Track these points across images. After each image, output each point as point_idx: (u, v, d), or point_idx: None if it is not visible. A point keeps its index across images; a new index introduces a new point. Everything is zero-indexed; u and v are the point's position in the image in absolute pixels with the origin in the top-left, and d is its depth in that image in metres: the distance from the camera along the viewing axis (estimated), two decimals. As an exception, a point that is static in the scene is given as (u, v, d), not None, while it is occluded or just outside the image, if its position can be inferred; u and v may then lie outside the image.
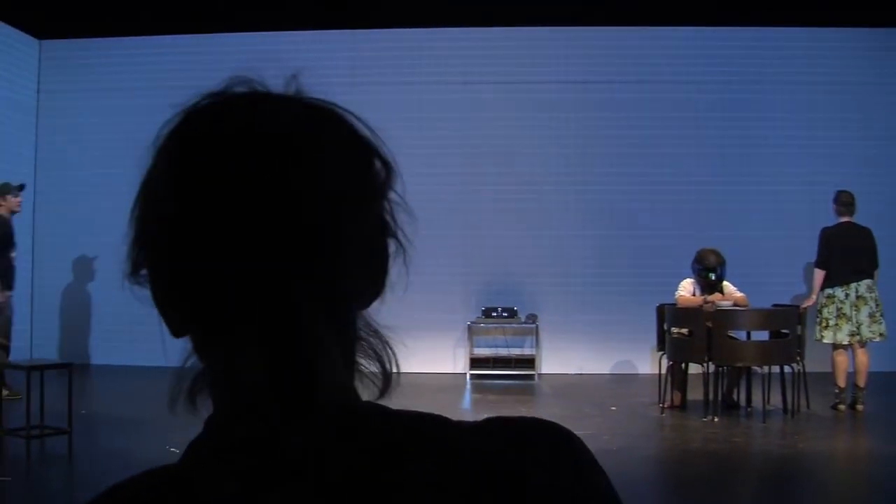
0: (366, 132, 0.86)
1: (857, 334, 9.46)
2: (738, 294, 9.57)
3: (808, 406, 9.34)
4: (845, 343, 9.48)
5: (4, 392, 9.67)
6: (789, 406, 9.11)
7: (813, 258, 9.90)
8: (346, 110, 0.86)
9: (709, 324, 9.04)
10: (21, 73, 13.23)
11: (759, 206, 12.75)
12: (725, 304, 9.36)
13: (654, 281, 11.74)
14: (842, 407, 9.36)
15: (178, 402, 0.84)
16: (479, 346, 12.56)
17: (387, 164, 0.86)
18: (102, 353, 12.95)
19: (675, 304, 9.63)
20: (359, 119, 0.87)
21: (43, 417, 7.50)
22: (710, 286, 9.54)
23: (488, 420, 0.82)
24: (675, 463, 7.55)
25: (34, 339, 13.24)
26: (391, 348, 0.88)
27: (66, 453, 7.31)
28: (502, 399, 10.40)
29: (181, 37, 13.27)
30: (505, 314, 12.35)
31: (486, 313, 12.30)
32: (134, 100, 13.22)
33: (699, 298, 9.48)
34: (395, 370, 0.88)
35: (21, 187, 10.29)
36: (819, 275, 9.75)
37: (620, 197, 12.81)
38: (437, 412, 0.83)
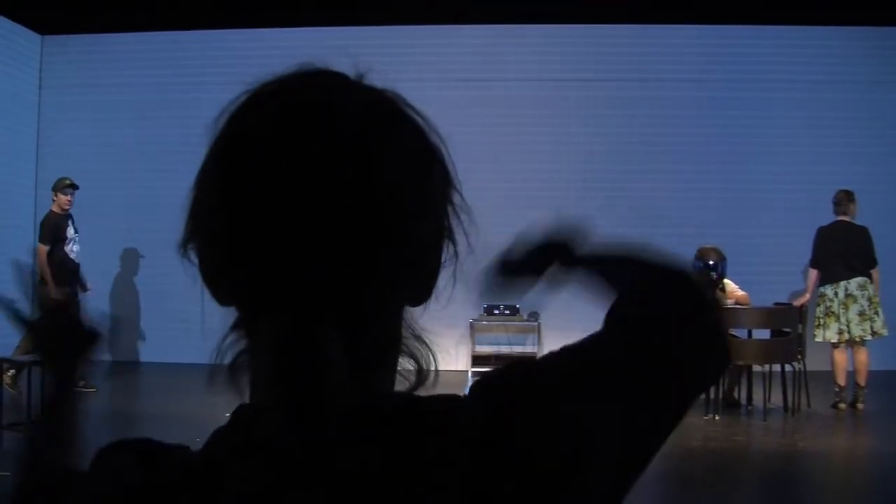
0: (430, 131, 0.85)
1: (847, 332, 9.48)
2: (740, 293, 9.57)
3: (808, 405, 9.35)
4: (834, 341, 9.50)
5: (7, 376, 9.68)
6: (790, 404, 9.11)
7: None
8: (411, 107, 0.86)
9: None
10: (23, 68, 13.23)
11: (761, 204, 12.74)
12: (727, 302, 9.36)
13: (656, 279, 11.72)
14: (842, 405, 9.37)
15: (218, 377, 0.84)
16: (480, 344, 12.55)
17: (445, 168, 0.86)
18: (108, 348, 12.93)
19: (676, 303, 9.60)
20: (423, 117, 0.86)
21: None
22: (711, 283, 9.53)
23: (473, 388, 0.82)
24: (675, 461, 7.54)
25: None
26: (431, 350, 0.88)
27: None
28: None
29: (182, 33, 13.26)
30: (507, 312, 12.35)
31: (489, 311, 12.29)
32: (136, 95, 13.25)
33: (700, 297, 9.46)
34: (431, 369, 0.88)
35: (74, 186, 10.48)
36: (812, 273, 9.81)
37: (623, 194, 12.79)
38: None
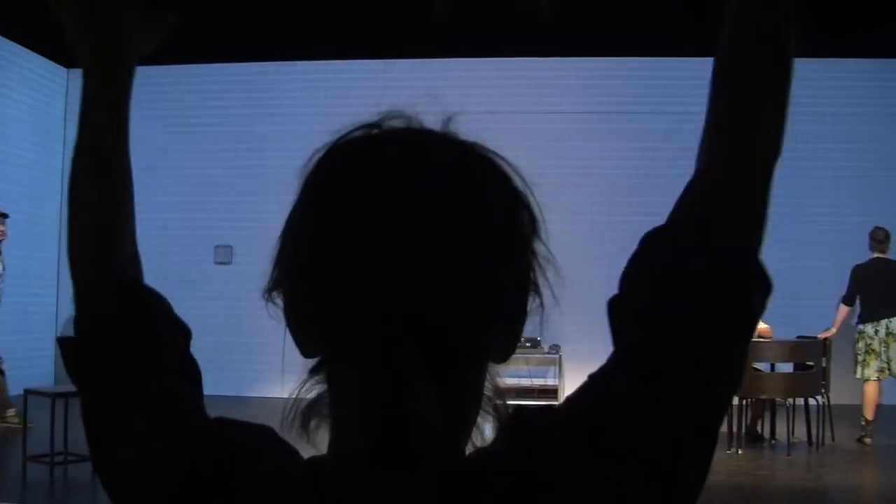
0: (517, 181, 0.85)
1: (888, 370, 9.41)
2: (762, 325, 9.51)
3: (832, 439, 9.26)
4: (875, 378, 9.41)
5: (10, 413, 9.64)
6: (814, 439, 9.02)
7: (839, 290, 9.84)
8: (498, 155, 0.86)
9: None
10: (49, 101, 13.38)
11: (783, 236, 12.65)
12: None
13: (678, 312, 11.69)
14: (868, 440, 9.27)
15: (293, 429, 0.83)
16: (500, 377, 12.49)
17: (533, 217, 0.85)
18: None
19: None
20: (510, 165, 0.86)
21: (66, 444, 7.52)
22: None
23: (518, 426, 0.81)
24: (700, 496, 7.47)
25: (57, 365, 13.31)
26: (509, 408, 0.88)
27: (90, 480, 7.33)
28: (525, 429, 10.34)
29: (211, 66, 13.38)
30: (528, 344, 12.30)
31: (509, 343, 12.24)
32: (160, 128, 13.35)
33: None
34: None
35: (4, 216, 10.15)
36: (843, 310, 9.72)
37: (645, 227, 12.65)
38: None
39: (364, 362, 0.75)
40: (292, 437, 0.84)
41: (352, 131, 0.82)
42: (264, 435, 0.82)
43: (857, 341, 9.58)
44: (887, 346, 9.44)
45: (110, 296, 0.94)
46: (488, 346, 0.83)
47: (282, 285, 0.82)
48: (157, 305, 0.98)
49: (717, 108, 0.89)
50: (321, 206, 0.79)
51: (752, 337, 0.84)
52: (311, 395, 0.83)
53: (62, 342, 0.92)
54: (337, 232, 0.77)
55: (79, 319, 0.93)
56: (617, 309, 0.87)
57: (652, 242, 0.92)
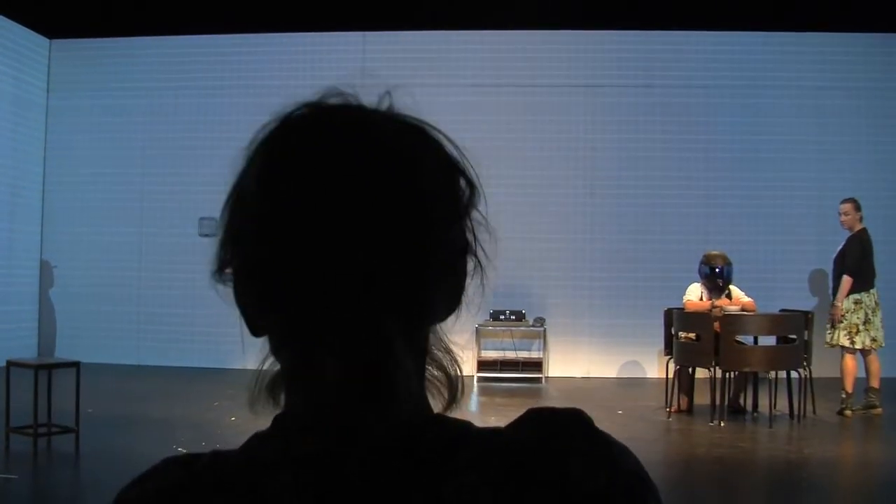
0: (453, 151, 0.88)
1: (876, 339, 9.49)
2: (746, 299, 9.56)
3: (814, 411, 9.32)
4: (868, 348, 9.47)
5: None
6: (796, 411, 9.09)
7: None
8: (435, 128, 0.88)
9: (716, 328, 9.03)
10: (31, 71, 13.28)
11: (767, 210, 12.72)
12: (733, 308, 9.35)
13: (662, 285, 11.75)
14: (848, 412, 9.34)
15: (258, 401, 0.85)
16: (486, 349, 12.55)
17: (471, 184, 0.88)
18: (109, 351, 12.95)
19: (682, 309, 9.62)
20: (447, 138, 0.88)
21: (50, 416, 7.52)
22: (717, 288, 9.52)
23: (529, 415, 0.82)
24: (681, 467, 7.54)
25: (41, 337, 13.29)
26: (458, 365, 0.90)
27: (73, 452, 7.33)
28: (509, 402, 10.39)
29: (190, 37, 13.28)
30: (513, 317, 12.35)
31: (494, 316, 12.29)
32: (143, 99, 13.29)
33: (707, 303, 9.47)
34: (461, 387, 0.90)
35: None
36: (847, 281, 9.60)
37: (628, 201, 12.80)
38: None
39: (334, 326, 0.77)
40: (262, 410, 0.85)
41: (293, 111, 0.84)
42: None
43: (855, 311, 9.54)
44: (875, 314, 9.53)
45: None
46: (430, 308, 0.85)
47: (231, 264, 0.84)
48: None
49: None
50: (269, 185, 0.81)
51: None
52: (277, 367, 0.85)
53: None
54: (287, 209, 0.79)
55: None
56: None
57: None
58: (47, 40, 13.58)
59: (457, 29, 12.95)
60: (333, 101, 0.85)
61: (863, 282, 9.58)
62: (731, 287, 9.61)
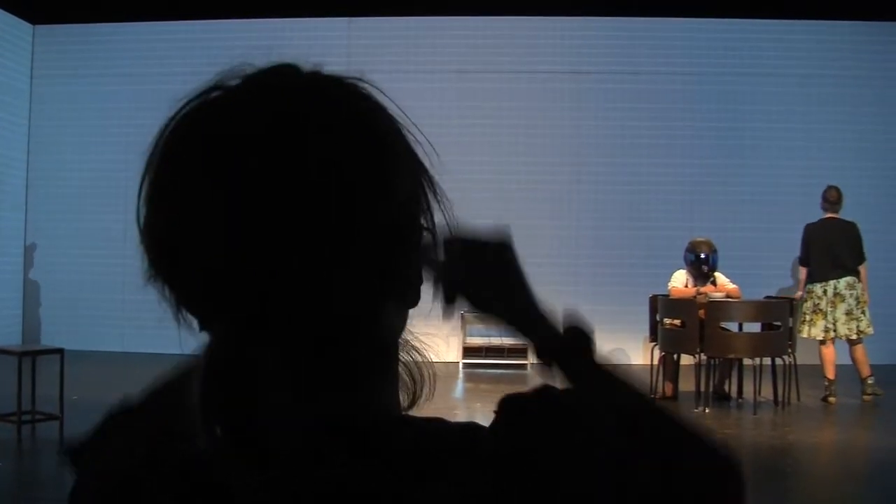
0: (386, 116, 0.81)
1: (833, 331, 9.51)
2: (731, 286, 9.58)
3: (798, 398, 9.37)
4: (820, 338, 9.53)
5: None
6: (780, 398, 9.13)
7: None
8: (367, 98, 0.81)
9: (701, 315, 9.05)
10: (15, 57, 13.19)
11: (752, 198, 12.75)
12: (718, 295, 9.37)
13: (647, 272, 11.77)
14: (832, 399, 9.38)
15: None
16: (472, 335, 12.56)
17: (411, 159, 0.82)
18: (94, 338, 12.90)
19: (667, 295, 9.64)
20: (377, 101, 0.81)
21: (34, 403, 7.49)
22: (702, 276, 9.54)
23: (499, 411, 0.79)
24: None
25: (25, 324, 13.23)
26: (425, 367, 0.87)
27: (57, 439, 7.31)
28: (495, 388, 10.40)
29: (176, 23, 13.22)
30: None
31: (479, 302, 12.28)
32: (127, 86, 13.21)
33: (692, 290, 9.49)
34: (426, 387, 0.87)
35: None
36: (802, 271, 9.81)
37: (614, 188, 12.81)
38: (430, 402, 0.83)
39: (217, 327, 0.77)
40: None
41: (193, 98, 0.83)
42: None
43: (805, 300, 9.68)
44: (834, 306, 9.54)
45: None
46: (378, 297, 0.78)
47: (159, 268, 0.80)
48: None
49: None
50: (185, 179, 0.77)
51: None
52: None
53: None
54: (205, 201, 0.74)
55: None
56: None
57: None
58: (31, 26, 13.48)
59: (443, 15, 12.91)
60: (232, 83, 0.83)
61: (812, 272, 9.66)
62: (717, 274, 9.63)
